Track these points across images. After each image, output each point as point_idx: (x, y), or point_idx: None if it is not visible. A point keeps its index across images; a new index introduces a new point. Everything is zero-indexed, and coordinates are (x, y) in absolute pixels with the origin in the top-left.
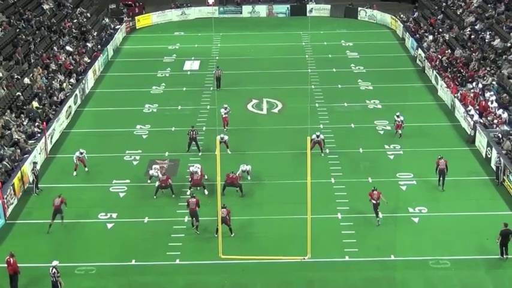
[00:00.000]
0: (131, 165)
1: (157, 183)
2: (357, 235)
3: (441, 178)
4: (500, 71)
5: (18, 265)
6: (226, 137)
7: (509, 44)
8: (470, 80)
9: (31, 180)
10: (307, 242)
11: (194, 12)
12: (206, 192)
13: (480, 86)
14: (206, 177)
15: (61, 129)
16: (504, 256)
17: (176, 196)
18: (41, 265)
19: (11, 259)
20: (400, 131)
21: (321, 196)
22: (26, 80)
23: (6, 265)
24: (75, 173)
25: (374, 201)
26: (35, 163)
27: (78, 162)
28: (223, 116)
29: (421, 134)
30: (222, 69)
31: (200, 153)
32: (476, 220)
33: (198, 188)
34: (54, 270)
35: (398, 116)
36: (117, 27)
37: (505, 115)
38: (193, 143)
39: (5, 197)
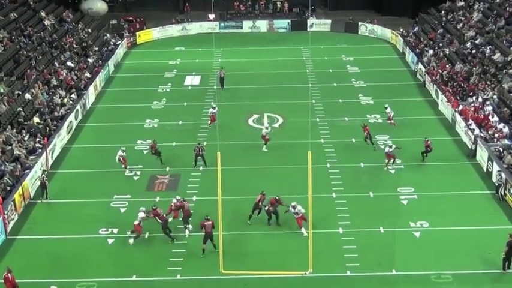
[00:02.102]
0: (132, 181)
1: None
2: (358, 250)
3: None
4: (500, 85)
5: (19, 281)
6: (266, 131)
7: (509, 58)
8: (471, 94)
9: (40, 189)
10: (309, 257)
11: (195, 28)
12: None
13: (480, 100)
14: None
15: (62, 144)
16: (506, 270)
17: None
18: (42, 281)
19: (9, 275)
20: (392, 121)
21: (322, 211)
22: (27, 96)
23: (4, 282)
24: (127, 171)
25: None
26: (44, 171)
27: (121, 160)
28: (211, 115)
29: (422, 148)
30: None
31: (201, 168)
32: (478, 234)
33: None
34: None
35: (386, 108)
36: (118, 42)
37: (505, 129)
38: (200, 158)
39: (5, 212)
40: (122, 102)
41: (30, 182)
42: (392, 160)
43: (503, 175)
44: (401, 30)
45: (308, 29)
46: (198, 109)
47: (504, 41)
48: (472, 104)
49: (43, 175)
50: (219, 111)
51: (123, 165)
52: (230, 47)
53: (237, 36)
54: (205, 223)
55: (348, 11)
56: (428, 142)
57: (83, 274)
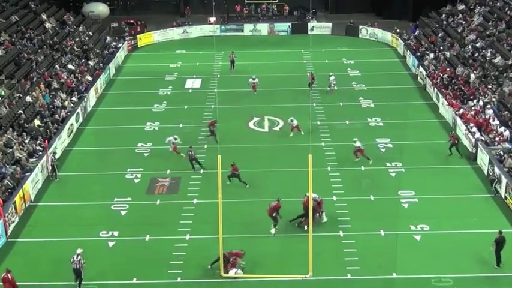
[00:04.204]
0: (133, 183)
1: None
2: (358, 253)
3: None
4: (501, 89)
5: (19, 283)
6: (295, 121)
7: (510, 62)
8: (471, 97)
9: (50, 170)
10: (309, 260)
11: (196, 31)
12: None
13: (481, 103)
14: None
15: (63, 147)
16: (500, 265)
17: (177, 214)
18: (42, 283)
19: (9, 275)
20: (332, 88)
21: None
22: (28, 98)
23: (2, 282)
24: (183, 154)
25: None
26: (54, 153)
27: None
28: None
29: (423, 151)
30: (223, 85)
31: (202, 171)
32: (478, 238)
33: None
34: (79, 257)
35: (331, 76)
36: (119, 45)
37: (506, 133)
38: (194, 161)
39: (6, 215)
40: (123, 105)
41: (31, 185)
42: (359, 156)
43: (496, 170)
44: (404, 33)
45: (309, 32)
46: (199, 112)
47: (505, 45)
48: (473, 108)
49: (53, 157)
50: (218, 114)
51: (174, 151)
52: (231, 50)
53: (238, 40)
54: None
55: (348, 14)
56: (455, 135)
57: (84, 277)
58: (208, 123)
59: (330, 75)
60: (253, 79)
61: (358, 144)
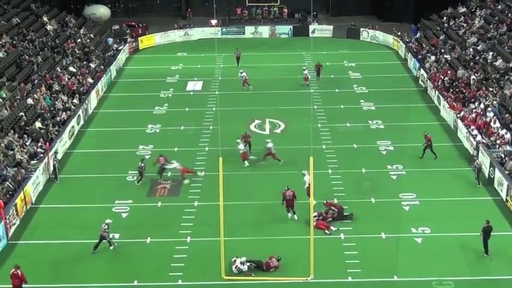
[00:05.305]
0: (134, 186)
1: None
2: (359, 256)
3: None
4: (502, 91)
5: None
6: (271, 144)
7: (511, 65)
8: (472, 100)
9: (51, 171)
10: (310, 263)
11: (197, 33)
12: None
13: (482, 106)
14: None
15: (64, 149)
16: (488, 253)
17: (178, 216)
18: (43, 286)
19: (18, 271)
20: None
21: None
22: (29, 101)
23: (12, 279)
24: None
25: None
26: (56, 153)
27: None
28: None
29: (424, 154)
30: (224, 88)
31: (203, 173)
32: (479, 240)
33: None
34: (105, 226)
35: (304, 69)
36: (120, 48)
37: (507, 135)
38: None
39: (7, 217)
40: (124, 108)
41: (32, 187)
42: (268, 157)
43: (478, 161)
44: (394, 30)
45: (310, 35)
46: (200, 114)
47: (506, 47)
48: (474, 110)
49: (55, 158)
50: (220, 117)
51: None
52: (232, 52)
53: (239, 42)
54: (286, 193)
55: (349, 16)
56: (428, 136)
57: (85, 279)
58: (242, 136)
59: (304, 69)
60: (241, 73)
61: (269, 145)
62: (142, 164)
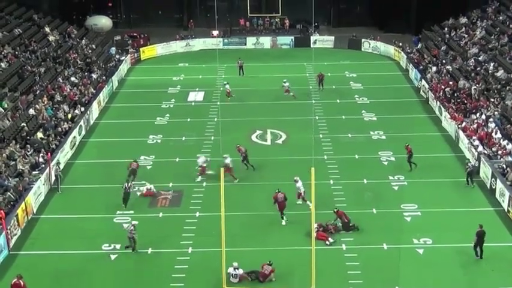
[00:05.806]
0: (135, 196)
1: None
2: (361, 266)
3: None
4: (503, 102)
5: None
6: (228, 160)
7: None
8: (474, 110)
9: (53, 181)
10: (312, 274)
11: (198, 44)
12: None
13: (484, 117)
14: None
15: (65, 159)
16: (478, 257)
17: (180, 226)
18: None
19: (20, 281)
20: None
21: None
22: (31, 111)
23: None
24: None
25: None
26: (58, 163)
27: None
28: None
29: (426, 165)
30: (225, 98)
31: (204, 184)
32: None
33: None
34: (132, 227)
35: (285, 82)
36: (122, 58)
37: (509, 146)
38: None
39: (8, 227)
40: (126, 118)
41: (33, 197)
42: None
43: (470, 164)
44: (395, 41)
45: (311, 46)
46: (202, 125)
47: (507, 58)
48: (475, 121)
49: (57, 167)
50: (221, 128)
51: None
52: (234, 63)
53: (241, 53)
54: (278, 195)
55: (351, 27)
56: (409, 147)
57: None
58: (237, 149)
59: (284, 81)
60: (225, 84)
61: (228, 161)
62: (129, 185)
